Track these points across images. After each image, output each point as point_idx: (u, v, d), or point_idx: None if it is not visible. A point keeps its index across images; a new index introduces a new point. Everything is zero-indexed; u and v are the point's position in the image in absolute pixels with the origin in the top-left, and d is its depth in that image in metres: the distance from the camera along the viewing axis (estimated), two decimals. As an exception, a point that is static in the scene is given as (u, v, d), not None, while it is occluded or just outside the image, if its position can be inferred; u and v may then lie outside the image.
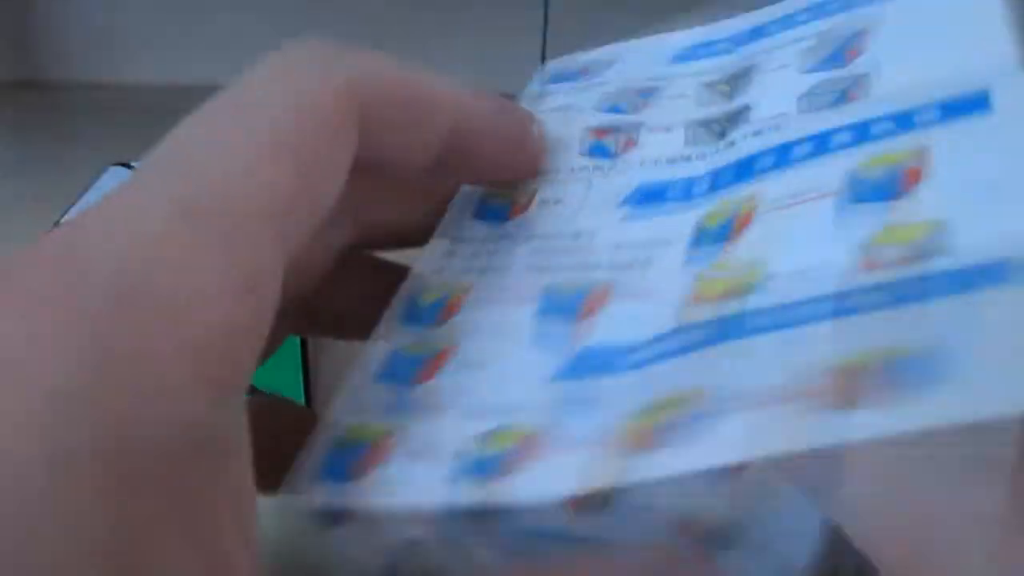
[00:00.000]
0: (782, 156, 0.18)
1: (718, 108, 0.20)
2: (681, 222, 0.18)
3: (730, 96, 0.20)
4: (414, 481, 0.15)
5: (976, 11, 0.18)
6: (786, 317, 0.14)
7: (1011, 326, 0.12)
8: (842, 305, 0.13)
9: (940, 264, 0.13)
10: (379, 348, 0.18)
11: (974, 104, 0.16)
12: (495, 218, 0.20)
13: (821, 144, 0.17)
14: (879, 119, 0.17)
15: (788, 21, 0.22)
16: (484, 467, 0.14)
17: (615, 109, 0.22)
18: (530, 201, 0.20)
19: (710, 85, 0.21)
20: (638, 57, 0.23)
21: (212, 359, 0.12)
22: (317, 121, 0.14)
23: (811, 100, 0.19)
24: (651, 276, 0.17)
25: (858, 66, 0.19)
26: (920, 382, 0.11)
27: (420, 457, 0.15)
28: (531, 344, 0.17)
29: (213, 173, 0.13)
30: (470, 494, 0.14)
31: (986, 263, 0.13)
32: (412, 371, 0.17)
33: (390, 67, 0.16)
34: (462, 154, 0.18)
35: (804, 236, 0.16)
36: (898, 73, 0.18)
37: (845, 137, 0.17)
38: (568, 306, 0.17)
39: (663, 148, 0.20)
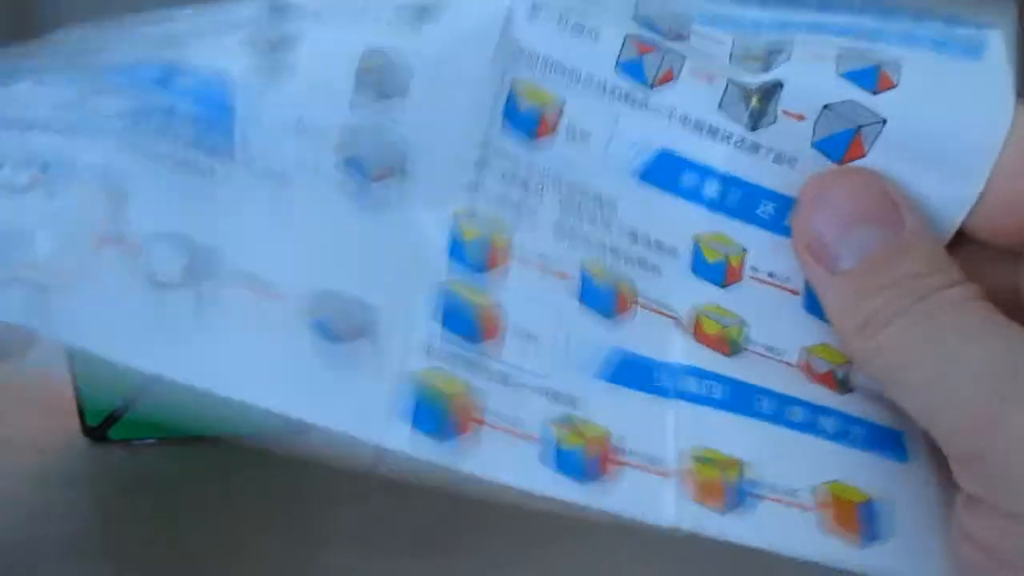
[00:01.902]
0: (779, 217, 0.21)
1: (752, 77, 0.21)
2: (684, 229, 0.21)
3: (766, 66, 0.21)
4: (513, 462, 0.19)
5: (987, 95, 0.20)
6: (785, 416, 0.20)
7: None
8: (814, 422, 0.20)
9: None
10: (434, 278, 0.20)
11: None
12: (523, 129, 0.20)
13: (780, 208, 0.21)
14: None
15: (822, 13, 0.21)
16: (571, 464, 0.19)
17: (650, 26, 0.21)
18: (557, 118, 0.21)
19: (744, 50, 0.21)
20: None
21: None
22: None
23: (830, 123, 0.21)
24: (662, 288, 0.21)
25: (883, 105, 0.20)
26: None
27: (511, 433, 0.19)
28: (575, 330, 0.20)
29: None
30: (568, 491, 0.19)
31: None
32: (473, 325, 0.19)
33: None
34: None
35: (773, 322, 0.20)
36: (894, 157, 0.20)
37: None
38: (603, 300, 0.20)
39: (698, 100, 0.21)
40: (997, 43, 0.20)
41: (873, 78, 0.21)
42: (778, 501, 0.20)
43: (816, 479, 0.20)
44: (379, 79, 0.20)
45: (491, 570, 0.25)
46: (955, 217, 0.20)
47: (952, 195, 0.20)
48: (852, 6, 0.21)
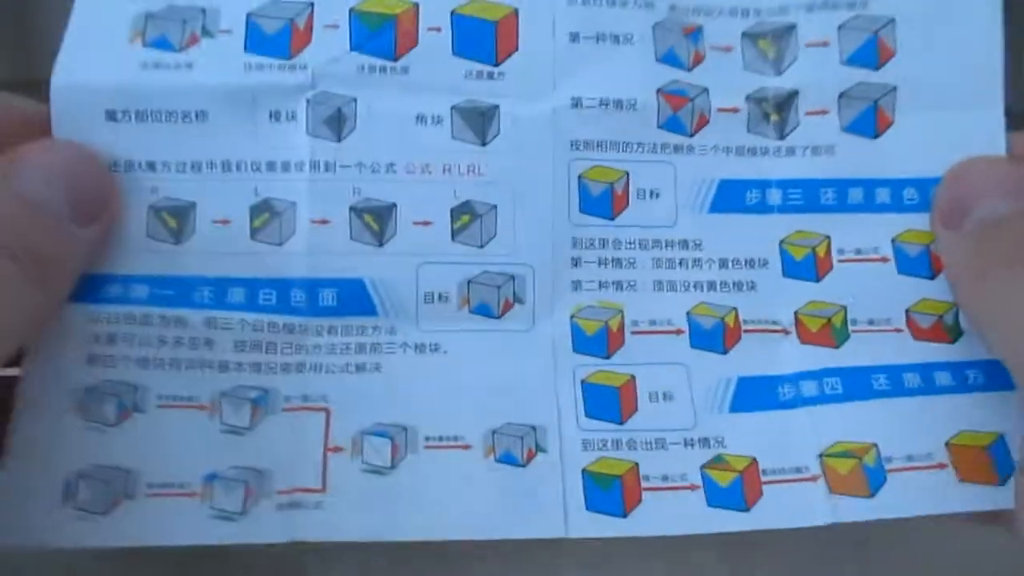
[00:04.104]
0: (842, 198, 0.23)
1: (769, 81, 0.23)
2: (766, 238, 0.23)
3: (777, 65, 0.23)
4: (684, 513, 0.21)
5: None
6: (903, 385, 0.22)
7: None
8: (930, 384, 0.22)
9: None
10: (571, 378, 0.22)
11: None
12: (601, 212, 0.23)
13: (869, 196, 0.23)
14: (912, 183, 0.23)
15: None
16: (733, 498, 0.21)
17: (671, 59, 0.23)
18: (625, 189, 0.23)
19: (752, 36, 0.23)
20: None
21: None
22: None
23: (850, 106, 0.23)
24: (762, 303, 0.23)
25: (890, 74, 0.23)
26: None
27: (677, 489, 0.21)
28: (698, 376, 0.22)
29: None
30: (735, 523, 0.21)
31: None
32: (614, 407, 0.22)
33: None
34: None
35: (871, 295, 0.23)
36: (919, 112, 0.23)
37: (885, 197, 0.23)
38: (713, 339, 0.22)
39: (731, 132, 0.23)
40: None
41: (874, 54, 0.23)
42: (916, 468, 0.21)
43: (946, 435, 0.22)
44: (474, 230, 0.22)
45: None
46: (998, 139, 0.22)
47: (986, 120, 0.23)
48: None
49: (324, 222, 0.22)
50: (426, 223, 0.22)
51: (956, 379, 0.22)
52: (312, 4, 0.22)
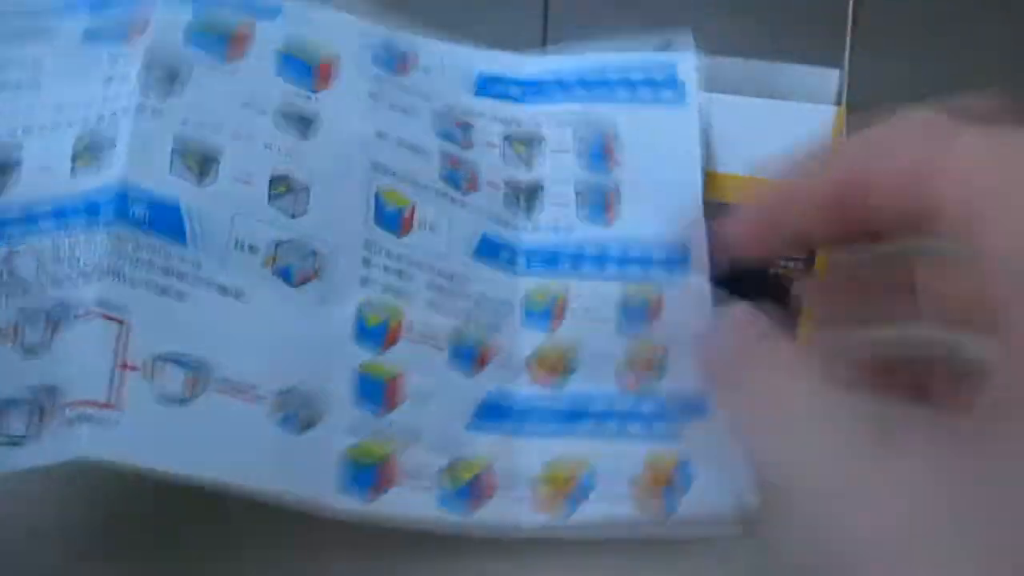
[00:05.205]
0: (576, 266, 0.28)
1: (521, 174, 0.28)
2: (513, 289, 0.27)
3: (528, 163, 0.29)
4: (413, 508, 0.23)
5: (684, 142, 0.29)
6: (603, 428, 0.26)
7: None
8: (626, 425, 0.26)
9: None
10: (349, 363, 0.23)
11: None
12: (391, 227, 0.25)
13: (600, 267, 0.28)
14: (635, 259, 0.28)
15: (560, 90, 0.30)
16: (456, 503, 0.23)
17: (449, 136, 0.28)
18: (412, 215, 0.26)
19: (510, 140, 0.29)
20: (446, 73, 0.29)
21: None
22: None
23: (585, 199, 0.29)
24: (506, 341, 0.26)
25: (616, 176, 0.29)
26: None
27: (417, 482, 0.23)
28: (448, 389, 0.25)
29: None
30: (450, 526, 0.23)
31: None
32: (381, 398, 0.23)
33: None
34: None
35: (594, 346, 0.27)
36: (639, 205, 0.29)
37: (613, 268, 0.28)
38: (466, 361, 0.25)
39: (492, 203, 0.28)
40: (692, 91, 0.29)
41: (602, 159, 0.29)
42: (609, 497, 0.25)
43: (634, 468, 0.25)
44: (289, 201, 0.24)
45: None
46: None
47: (687, 207, 0.28)
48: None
49: (145, 160, 0.22)
50: (246, 181, 0.23)
51: (645, 428, 0.26)
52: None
